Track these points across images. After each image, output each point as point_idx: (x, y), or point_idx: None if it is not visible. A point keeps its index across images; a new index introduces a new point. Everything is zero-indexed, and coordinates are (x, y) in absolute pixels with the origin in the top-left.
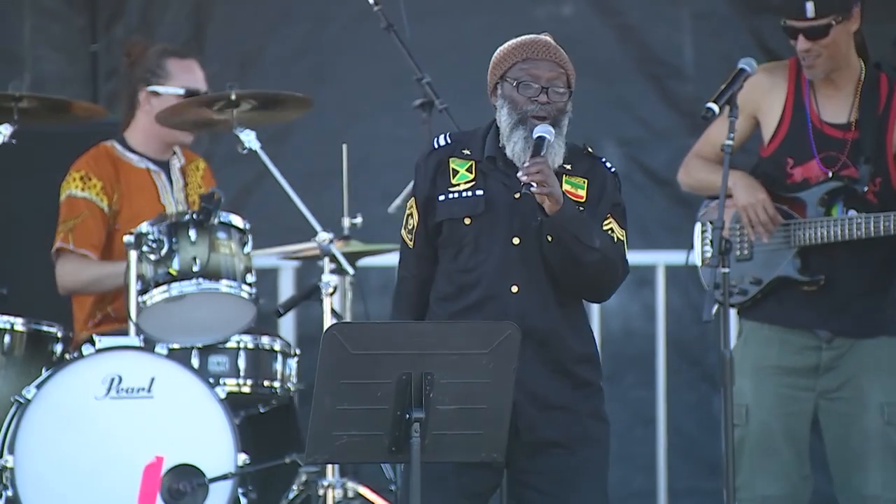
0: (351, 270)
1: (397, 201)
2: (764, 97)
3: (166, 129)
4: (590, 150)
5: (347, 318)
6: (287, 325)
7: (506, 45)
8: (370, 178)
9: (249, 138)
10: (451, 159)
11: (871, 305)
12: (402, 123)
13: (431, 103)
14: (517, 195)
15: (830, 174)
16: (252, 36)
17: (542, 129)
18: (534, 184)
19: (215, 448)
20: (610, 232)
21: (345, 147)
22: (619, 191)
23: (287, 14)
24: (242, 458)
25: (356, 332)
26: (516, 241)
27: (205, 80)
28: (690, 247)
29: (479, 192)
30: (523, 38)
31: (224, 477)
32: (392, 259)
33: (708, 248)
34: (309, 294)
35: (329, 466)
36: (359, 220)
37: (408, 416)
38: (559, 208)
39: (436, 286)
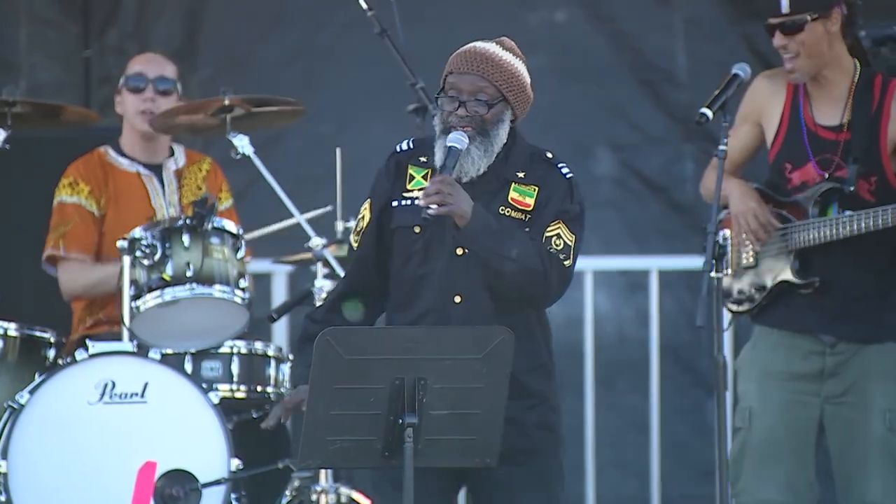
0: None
1: None
2: (766, 104)
3: (130, 115)
4: (549, 155)
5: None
6: (280, 330)
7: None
8: (364, 183)
9: (243, 143)
10: (409, 165)
11: (874, 310)
12: (395, 128)
13: (425, 108)
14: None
15: (826, 176)
16: (245, 41)
17: (454, 139)
18: (432, 206)
19: (208, 453)
20: (555, 238)
21: (338, 151)
22: (572, 198)
23: (280, 19)
24: (235, 463)
25: (349, 338)
26: (460, 251)
27: (172, 71)
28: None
29: None
30: (463, 47)
31: (217, 482)
32: None
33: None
34: (302, 299)
35: (322, 471)
36: (352, 224)
37: (401, 421)
38: (468, 222)
39: (391, 295)
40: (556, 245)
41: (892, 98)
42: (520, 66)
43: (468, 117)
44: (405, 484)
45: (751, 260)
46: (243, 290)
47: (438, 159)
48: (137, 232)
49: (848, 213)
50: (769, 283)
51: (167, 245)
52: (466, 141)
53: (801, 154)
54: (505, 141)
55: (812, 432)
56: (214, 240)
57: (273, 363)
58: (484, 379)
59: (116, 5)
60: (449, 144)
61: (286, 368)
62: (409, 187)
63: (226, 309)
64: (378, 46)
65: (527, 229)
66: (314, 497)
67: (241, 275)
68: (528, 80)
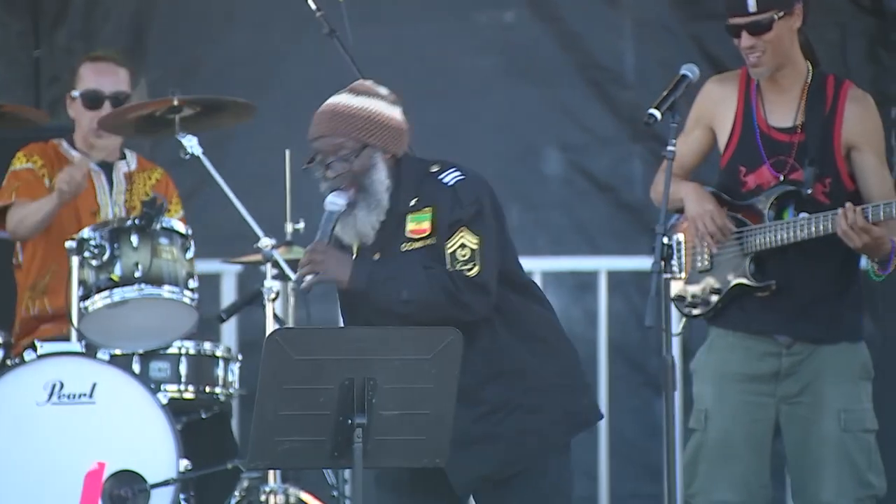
0: (293, 276)
1: None
2: (717, 108)
3: (83, 130)
4: (433, 170)
5: (290, 324)
6: (229, 330)
7: None
8: (313, 184)
9: (192, 144)
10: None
11: (829, 310)
12: None
13: None
14: (300, 285)
15: (781, 178)
16: (194, 42)
17: (328, 203)
18: (306, 278)
19: (157, 454)
20: (459, 249)
21: (287, 153)
22: (461, 203)
23: (229, 20)
24: (184, 463)
25: (299, 338)
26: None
27: (128, 83)
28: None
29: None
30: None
31: (166, 483)
32: None
33: (674, 260)
34: (251, 299)
35: (271, 472)
36: (301, 225)
37: (350, 421)
38: (348, 283)
39: None
40: (462, 256)
41: (846, 100)
42: (375, 105)
43: (339, 177)
44: (354, 485)
45: (706, 264)
46: (192, 290)
47: (340, 233)
48: (86, 232)
49: (803, 215)
50: (725, 286)
51: (116, 245)
52: (342, 202)
53: (755, 157)
54: (387, 182)
55: (768, 433)
56: (163, 240)
57: (222, 364)
58: (433, 380)
59: (65, 5)
60: (328, 210)
61: (235, 369)
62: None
63: (174, 309)
64: (327, 47)
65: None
66: (263, 497)
67: (190, 275)
68: (389, 113)
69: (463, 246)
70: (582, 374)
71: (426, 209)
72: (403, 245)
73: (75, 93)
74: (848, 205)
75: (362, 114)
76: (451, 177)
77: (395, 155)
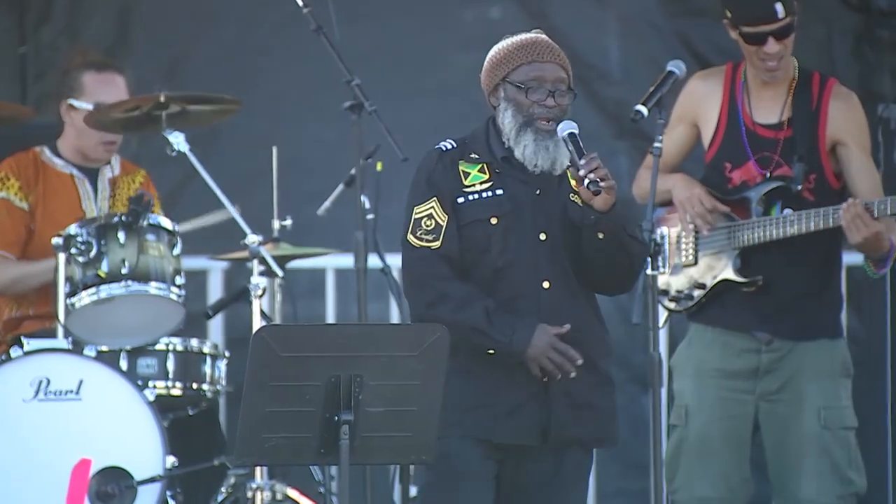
0: (280, 273)
1: (326, 204)
2: (701, 105)
3: (89, 145)
4: None
5: (276, 321)
6: (216, 327)
7: (505, 44)
8: (300, 181)
9: (178, 140)
10: (461, 162)
11: (810, 308)
12: (331, 126)
13: (361, 105)
14: (573, 196)
15: (767, 175)
16: (180, 38)
17: (567, 126)
18: (602, 181)
19: (144, 450)
20: None
21: (274, 149)
22: None
23: (215, 16)
24: (171, 460)
25: (285, 335)
26: (543, 237)
27: (126, 91)
28: None
29: (500, 192)
30: (524, 37)
31: (152, 479)
32: (321, 262)
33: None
34: (238, 296)
35: (258, 468)
36: (288, 222)
37: (337, 418)
38: (615, 201)
39: None
40: None
41: (831, 97)
42: None
43: (555, 108)
44: (341, 482)
45: (690, 258)
46: (179, 286)
47: (530, 152)
48: (73, 229)
49: (788, 211)
50: (709, 281)
51: (102, 242)
52: (576, 125)
53: (741, 153)
54: None
55: (747, 429)
56: (150, 237)
57: (209, 360)
58: (420, 376)
59: (50, 2)
60: (570, 131)
61: (222, 365)
62: (467, 183)
63: (161, 306)
64: (314, 43)
65: None
66: (250, 494)
67: (177, 271)
68: None
69: None
70: None
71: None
72: (572, 196)
73: (78, 103)
74: (851, 199)
75: (568, 60)
76: None
77: None
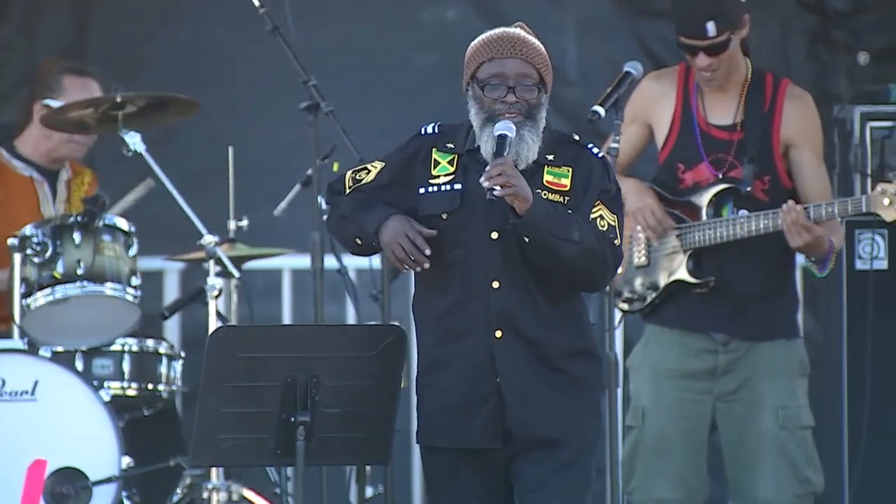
0: (236, 273)
1: (283, 204)
2: (655, 105)
3: (54, 145)
4: (576, 137)
5: (233, 321)
6: (172, 327)
7: (476, 41)
8: (256, 181)
9: (134, 140)
10: (433, 150)
11: (766, 308)
12: (288, 126)
13: (317, 106)
14: (491, 194)
15: (720, 176)
16: (136, 38)
17: (503, 127)
18: (496, 187)
19: (99, 451)
20: (599, 219)
21: (231, 150)
22: (609, 176)
23: (172, 16)
24: (126, 461)
25: (242, 335)
26: (495, 235)
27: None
28: None
29: (457, 187)
30: (491, 33)
31: (108, 480)
32: (277, 262)
33: None
34: (194, 297)
35: (214, 469)
36: (244, 222)
37: (293, 419)
38: (529, 206)
39: (416, 287)
40: (601, 226)
41: (785, 98)
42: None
43: (517, 103)
44: (296, 483)
45: (643, 259)
46: (135, 287)
47: (486, 148)
48: (28, 229)
49: (743, 213)
50: (663, 282)
51: (58, 242)
52: (514, 129)
53: (694, 154)
54: (545, 122)
55: (704, 430)
56: (106, 237)
57: (165, 361)
58: (376, 377)
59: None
60: (501, 133)
61: (178, 366)
62: (434, 173)
63: (117, 306)
64: (270, 44)
65: (569, 211)
66: (206, 494)
67: (133, 272)
68: None
69: (602, 218)
70: None
71: (565, 168)
72: (542, 193)
73: (55, 104)
74: (790, 202)
75: (543, 53)
76: (597, 150)
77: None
